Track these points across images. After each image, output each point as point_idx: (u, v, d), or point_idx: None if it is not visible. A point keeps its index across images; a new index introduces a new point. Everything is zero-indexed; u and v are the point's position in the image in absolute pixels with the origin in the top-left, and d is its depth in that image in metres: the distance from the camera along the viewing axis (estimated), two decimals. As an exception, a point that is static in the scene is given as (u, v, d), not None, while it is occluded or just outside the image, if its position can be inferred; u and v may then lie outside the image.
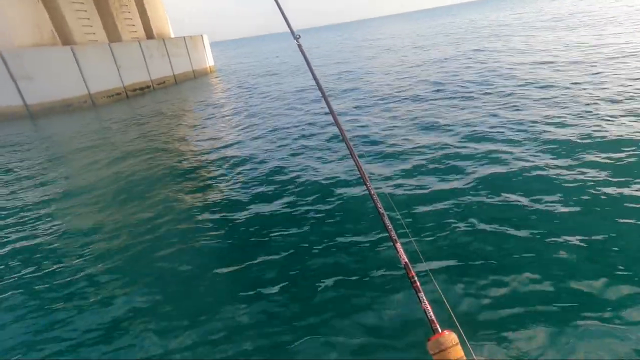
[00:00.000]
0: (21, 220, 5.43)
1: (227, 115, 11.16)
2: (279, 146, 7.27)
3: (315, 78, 2.50)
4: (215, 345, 2.75)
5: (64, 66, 16.08)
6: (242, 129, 9.16)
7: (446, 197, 4.31)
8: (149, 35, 23.57)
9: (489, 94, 8.62)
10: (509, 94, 8.25)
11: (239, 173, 6.16)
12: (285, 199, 4.93)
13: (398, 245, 1.46)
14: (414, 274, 1.36)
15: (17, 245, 4.71)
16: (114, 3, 20.52)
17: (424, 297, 1.27)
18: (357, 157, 1.90)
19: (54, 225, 5.09)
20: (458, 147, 5.74)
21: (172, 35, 25.60)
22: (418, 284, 1.33)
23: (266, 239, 4.06)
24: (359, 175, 1.69)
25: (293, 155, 6.65)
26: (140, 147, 8.77)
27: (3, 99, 14.43)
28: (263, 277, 3.43)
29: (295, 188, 5.21)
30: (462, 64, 13.21)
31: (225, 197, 5.29)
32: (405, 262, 1.40)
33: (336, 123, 2.16)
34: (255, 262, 3.65)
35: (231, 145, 7.90)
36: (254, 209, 4.76)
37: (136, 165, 7.30)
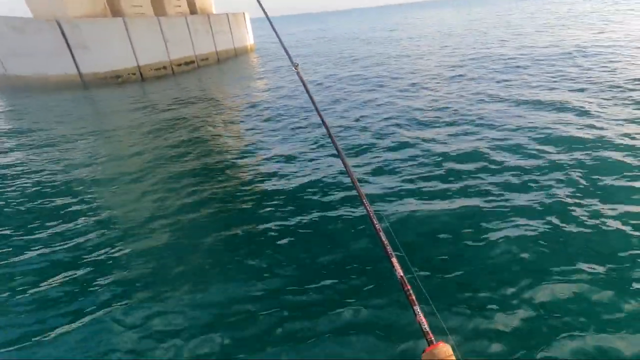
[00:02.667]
0: (65, 196, 5.28)
1: (269, 100, 10.76)
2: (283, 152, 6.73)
3: (313, 103, 2.63)
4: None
5: (116, 38, 16.06)
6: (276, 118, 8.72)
7: (441, 213, 4.21)
8: (192, 10, 23.37)
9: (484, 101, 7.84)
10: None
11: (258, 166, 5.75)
12: (280, 212, 4.59)
13: (394, 259, 1.47)
14: (409, 287, 1.37)
15: (67, 222, 4.59)
16: (161, -24, 20.35)
17: (418, 310, 1.29)
18: (352, 174, 1.98)
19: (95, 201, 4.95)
20: (454, 162, 5.45)
21: (214, 12, 25.31)
22: (413, 297, 1.34)
23: (260, 247, 3.88)
24: (356, 193, 1.80)
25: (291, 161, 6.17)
26: (181, 130, 8.48)
27: (61, 67, 14.53)
28: (255, 289, 3.30)
29: (293, 200, 4.86)
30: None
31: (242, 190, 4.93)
32: (401, 276, 1.41)
33: (332, 141, 2.26)
34: (250, 271, 3.50)
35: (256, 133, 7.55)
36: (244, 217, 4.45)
37: (171, 149, 7.07)
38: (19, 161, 6.74)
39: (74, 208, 4.82)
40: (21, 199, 5.15)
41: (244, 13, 26.26)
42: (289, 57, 3.03)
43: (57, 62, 14.49)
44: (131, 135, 7.92)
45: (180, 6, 22.17)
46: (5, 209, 4.88)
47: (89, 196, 5.12)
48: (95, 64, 15.31)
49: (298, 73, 2.84)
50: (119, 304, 3.14)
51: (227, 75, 17.72)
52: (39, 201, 5.07)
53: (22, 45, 14.24)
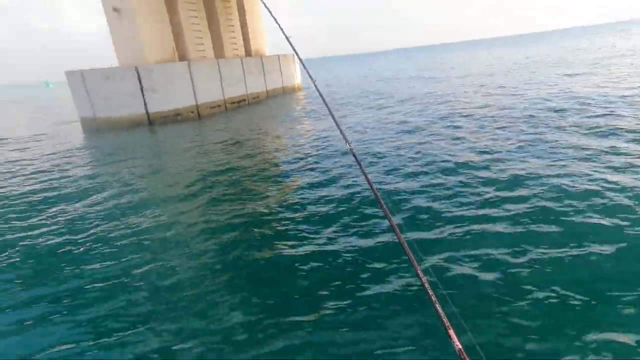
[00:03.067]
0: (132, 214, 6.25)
1: (310, 131, 11.59)
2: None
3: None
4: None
5: (180, 79, 17.81)
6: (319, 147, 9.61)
7: (466, 220, 4.67)
8: (248, 52, 25.30)
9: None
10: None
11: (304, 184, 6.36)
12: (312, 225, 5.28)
13: (451, 331, 1.50)
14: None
15: (129, 235, 5.53)
16: (223, 24, 22.41)
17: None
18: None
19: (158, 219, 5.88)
20: (476, 169, 6.26)
21: (267, 54, 27.20)
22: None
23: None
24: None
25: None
26: (236, 160, 9.54)
27: (133, 108, 16.33)
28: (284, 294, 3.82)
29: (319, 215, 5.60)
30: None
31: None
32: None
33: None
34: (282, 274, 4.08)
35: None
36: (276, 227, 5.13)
37: (229, 178, 8.19)
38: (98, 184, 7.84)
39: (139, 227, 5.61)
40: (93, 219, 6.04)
41: (294, 54, 28.00)
42: (343, 136, 3.14)
43: (132, 103, 16.31)
44: (187, 174, 8.89)
45: (237, 49, 24.15)
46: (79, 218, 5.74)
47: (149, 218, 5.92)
48: (160, 104, 17.03)
49: (353, 153, 2.95)
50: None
51: (275, 113, 18.99)
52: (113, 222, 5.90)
53: (109, 90, 16.26)
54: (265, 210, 6.17)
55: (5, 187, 8.95)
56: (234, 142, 12.01)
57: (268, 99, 24.45)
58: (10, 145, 14.72)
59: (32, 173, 10.06)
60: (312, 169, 8.21)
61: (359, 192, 6.45)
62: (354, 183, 6.96)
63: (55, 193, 8.10)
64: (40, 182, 9.12)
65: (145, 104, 16.60)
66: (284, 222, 5.69)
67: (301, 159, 9.17)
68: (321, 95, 3.38)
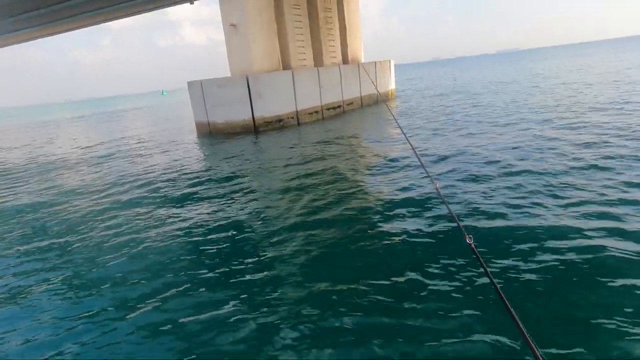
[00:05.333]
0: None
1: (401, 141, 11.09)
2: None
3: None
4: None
5: (284, 87, 18.84)
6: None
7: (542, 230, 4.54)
8: (345, 60, 25.77)
9: None
10: None
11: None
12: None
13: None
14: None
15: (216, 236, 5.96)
16: (324, 33, 23.18)
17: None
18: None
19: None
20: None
21: (363, 60, 27.39)
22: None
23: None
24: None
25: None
26: (326, 170, 9.50)
27: (243, 114, 17.80)
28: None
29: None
30: None
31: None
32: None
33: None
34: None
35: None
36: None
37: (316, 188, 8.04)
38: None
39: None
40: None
41: (389, 61, 27.77)
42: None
43: (240, 110, 17.76)
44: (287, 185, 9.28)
45: (335, 57, 24.76)
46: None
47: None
48: (265, 110, 18.19)
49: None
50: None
51: (369, 121, 18.99)
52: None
53: (222, 98, 17.98)
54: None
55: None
56: (330, 153, 12.26)
57: (362, 106, 24.60)
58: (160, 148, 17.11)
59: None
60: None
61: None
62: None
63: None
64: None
65: (252, 111, 17.90)
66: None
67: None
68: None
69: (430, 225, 5.66)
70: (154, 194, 9.05)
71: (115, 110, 58.55)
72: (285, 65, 20.49)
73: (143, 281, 4.91)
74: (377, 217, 6.30)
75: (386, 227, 5.87)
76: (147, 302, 4.38)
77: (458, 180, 7.61)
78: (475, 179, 7.57)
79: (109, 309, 4.36)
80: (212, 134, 18.53)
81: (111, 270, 5.26)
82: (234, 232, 6.26)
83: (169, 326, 3.93)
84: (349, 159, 10.95)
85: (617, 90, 17.77)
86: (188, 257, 5.50)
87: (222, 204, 7.79)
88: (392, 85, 28.59)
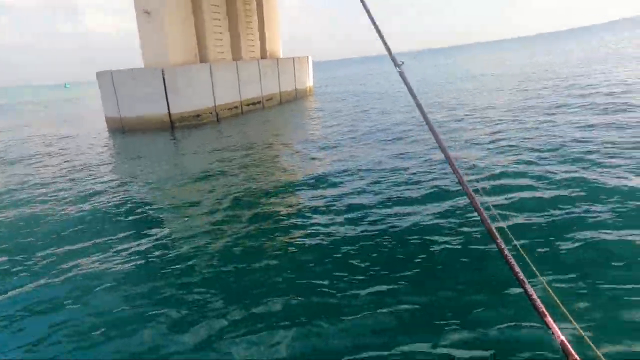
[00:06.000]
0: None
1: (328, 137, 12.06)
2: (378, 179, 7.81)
3: (421, 109, 2.62)
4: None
5: (202, 81, 18.23)
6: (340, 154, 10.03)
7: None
8: (263, 55, 25.69)
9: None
10: None
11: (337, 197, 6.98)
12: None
13: (527, 286, 1.50)
14: (546, 313, 1.41)
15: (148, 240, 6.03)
16: (242, 25, 22.80)
17: (559, 334, 1.30)
18: (469, 190, 2.01)
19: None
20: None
21: (281, 56, 27.60)
22: (549, 319, 1.37)
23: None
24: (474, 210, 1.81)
25: (397, 187, 7.13)
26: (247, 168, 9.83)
27: (157, 109, 16.83)
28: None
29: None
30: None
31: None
32: (534, 299, 1.44)
33: (446, 156, 2.26)
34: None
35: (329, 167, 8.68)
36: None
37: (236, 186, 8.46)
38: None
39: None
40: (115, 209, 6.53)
41: (307, 57, 28.44)
42: (392, 58, 2.86)
43: (155, 104, 16.77)
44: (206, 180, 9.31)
45: (254, 51, 24.55)
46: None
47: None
48: (181, 105, 17.46)
49: (402, 73, 2.79)
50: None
51: (290, 116, 19.39)
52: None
53: (134, 91, 16.70)
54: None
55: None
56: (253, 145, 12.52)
57: (281, 102, 24.89)
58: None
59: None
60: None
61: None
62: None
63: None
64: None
65: (168, 106, 17.04)
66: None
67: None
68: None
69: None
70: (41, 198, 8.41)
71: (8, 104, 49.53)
72: (203, 58, 19.78)
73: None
74: (298, 220, 6.55)
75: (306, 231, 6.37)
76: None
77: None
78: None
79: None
80: (124, 130, 17.18)
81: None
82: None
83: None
84: (268, 162, 11.24)
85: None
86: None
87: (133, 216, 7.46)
88: (310, 82, 29.36)
